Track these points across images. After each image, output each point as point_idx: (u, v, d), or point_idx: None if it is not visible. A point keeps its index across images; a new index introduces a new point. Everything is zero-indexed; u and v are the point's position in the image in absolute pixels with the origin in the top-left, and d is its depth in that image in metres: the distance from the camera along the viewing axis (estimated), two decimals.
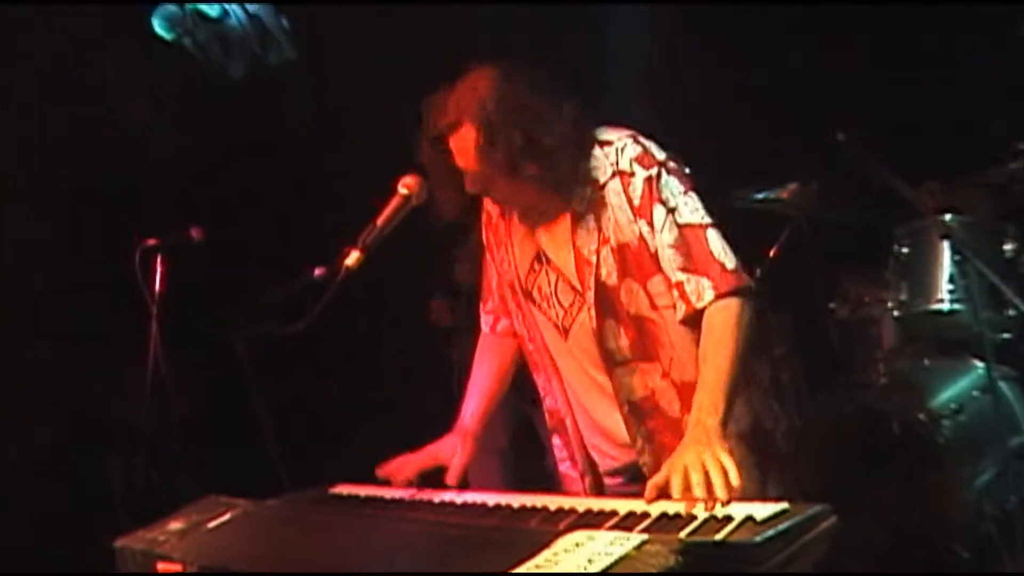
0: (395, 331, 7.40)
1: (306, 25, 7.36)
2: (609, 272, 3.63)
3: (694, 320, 3.55)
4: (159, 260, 5.47)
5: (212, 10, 7.18)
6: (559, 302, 3.79)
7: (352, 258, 3.64)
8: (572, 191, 3.66)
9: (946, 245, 5.64)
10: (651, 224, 3.56)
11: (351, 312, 4.81)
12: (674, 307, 3.59)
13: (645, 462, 3.70)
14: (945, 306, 5.69)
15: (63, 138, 6.41)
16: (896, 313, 5.93)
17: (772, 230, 6.51)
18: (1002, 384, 5.60)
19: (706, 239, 3.55)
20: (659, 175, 3.59)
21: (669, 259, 3.56)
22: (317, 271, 3.74)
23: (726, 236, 3.59)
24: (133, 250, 5.46)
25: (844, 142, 5.74)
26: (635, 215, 3.59)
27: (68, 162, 6.42)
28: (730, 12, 6.86)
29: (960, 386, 5.71)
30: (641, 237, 3.59)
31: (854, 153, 5.73)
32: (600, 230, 3.64)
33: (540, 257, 3.82)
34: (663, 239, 3.56)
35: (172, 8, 7.02)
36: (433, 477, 3.89)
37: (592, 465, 3.94)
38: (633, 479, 3.75)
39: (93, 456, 6.36)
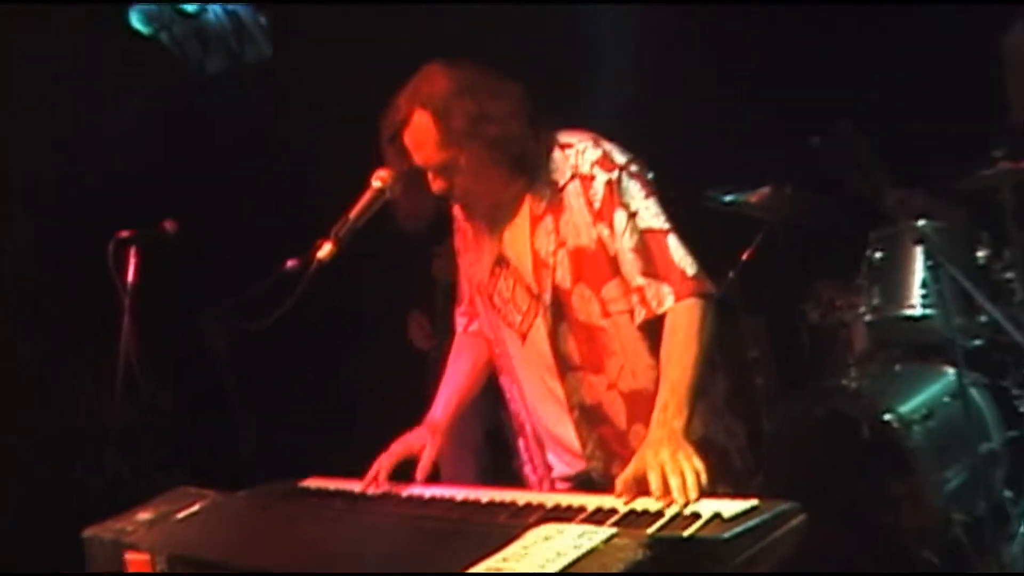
0: (372, 323, 7.39)
1: (283, 21, 7.35)
2: (564, 275, 3.63)
3: (651, 326, 3.54)
4: (132, 252, 5.45)
5: (190, 5, 7.16)
6: (516, 307, 3.79)
7: (325, 250, 3.62)
8: (531, 184, 3.68)
9: (919, 250, 5.66)
10: (612, 228, 3.55)
11: (327, 305, 4.79)
12: (631, 312, 3.58)
13: (595, 468, 3.71)
14: (917, 311, 5.72)
15: (35, 132, 6.38)
16: (868, 318, 5.95)
17: (747, 232, 6.52)
18: (973, 390, 5.61)
19: (667, 244, 3.53)
20: (619, 179, 3.58)
21: (630, 263, 3.54)
22: (289, 263, 3.72)
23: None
24: (106, 242, 5.44)
25: (818, 147, 5.75)
26: (595, 219, 3.58)
27: (40, 156, 6.39)
28: (708, 13, 6.86)
29: (931, 392, 5.73)
30: (599, 241, 3.58)
31: (829, 158, 5.73)
32: (558, 232, 3.63)
33: (500, 260, 3.81)
34: (624, 243, 3.54)
35: (149, 3, 7.01)
36: (403, 471, 3.89)
37: (549, 471, 3.93)
38: (581, 485, 3.75)
39: (64, 449, 6.33)
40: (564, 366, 3.69)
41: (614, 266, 3.57)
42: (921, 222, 5.70)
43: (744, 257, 6.53)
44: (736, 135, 6.65)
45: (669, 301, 3.48)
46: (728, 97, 6.82)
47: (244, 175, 6.83)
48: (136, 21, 6.99)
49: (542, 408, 3.85)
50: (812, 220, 6.41)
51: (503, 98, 3.58)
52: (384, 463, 3.81)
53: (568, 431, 3.76)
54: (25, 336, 6.29)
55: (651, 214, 3.56)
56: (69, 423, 6.31)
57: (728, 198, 6.33)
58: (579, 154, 3.63)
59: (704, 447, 3.41)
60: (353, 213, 3.69)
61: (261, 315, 3.70)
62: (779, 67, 6.82)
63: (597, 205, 3.57)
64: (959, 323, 5.53)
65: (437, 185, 3.63)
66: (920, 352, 6.02)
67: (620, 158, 3.63)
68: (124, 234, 5.48)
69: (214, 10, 7.24)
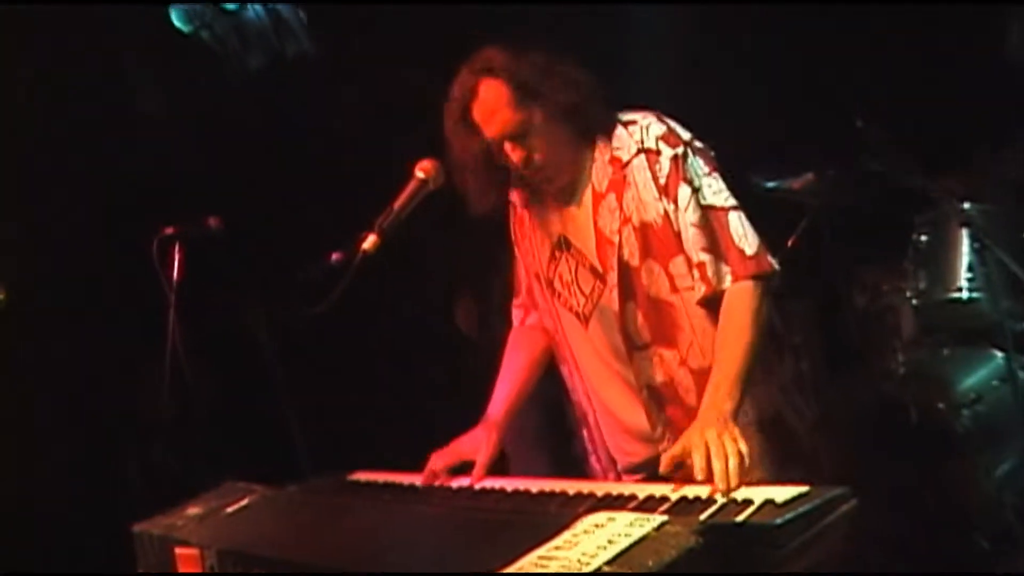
0: (421, 318, 7.39)
1: (324, 17, 7.36)
2: (632, 252, 3.62)
3: (712, 302, 3.54)
4: (177, 248, 5.46)
5: (230, 4, 7.18)
6: (580, 289, 3.78)
7: (369, 242, 3.62)
8: (594, 162, 3.68)
9: (965, 233, 5.62)
10: (676, 203, 3.55)
11: (375, 296, 4.80)
12: (694, 288, 3.58)
13: (664, 449, 3.63)
14: (964, 295, 5.68)
15: (82, 130, 6.42)
16: (915, 302, 5.91)
17: (792, 218, 6.49)
18: (1022, 373, 5.57)
19: (727, 222, 3.54)
20: (685, 155, 3.58)
21: (692, 239, 3.54)
22: (334, 256, 3.71)
23: (750, 219, 3.58)
24: (151, 239, 5.46)
25: (864, 129, 5.70)
26: (660, 193, 3.58)
27: (87, 154, 6.43)
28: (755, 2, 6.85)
29: (979, 375, 5.69)
30: (665, 216, 3.58)
31: (874, 140, 5.69)
32: (622, 209, 3.62)
33: (561, 244, 3.81)
34: (687, 219, 3.54)
35: (190, 1, 7.03)
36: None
37: (613, 460, 3.91)
38: (652, 476, 3.65)
39: (113, 446, 6.36)
40: (632, 344, 3.68)
41: (680, 241, 3.57)
42: (966, 205, 5.66)
43: (789, 244, 6.49)
44: (779, 120, 6.63)
45: (728, 280, 3.50)
46: (770, 82, 6.79)
47: (287, 170, 6.85)
48: (177, 19, 7.01)
49: (606, 393, 3.84)
50: (857, 204, 6.37)
51: (564, 65, 3.60)
52: (440, 466, 3.81)
53: (635, 415, 3.75)
54: (72, 333, 6.32)
55: (713, 191, 3.57)
56: (118, 420, 6.34)
57: (771, 184, 6.30)
58: (644, 129, 3.64)
59: (771, 427, 3.42)
60: (397, 204, 3.69)
61: (307, 308, 3.70)
62: (823, 51, 6.79)
63: (663, 180, 3.57)
64: (1006, 306, 5.49)
65: (517, 155, 3.62)
66: (968, 336, 5.96)
67: (685, 134, 3.64)
68: (169, 230, 5.49)
69: (254, 7, 7.25)
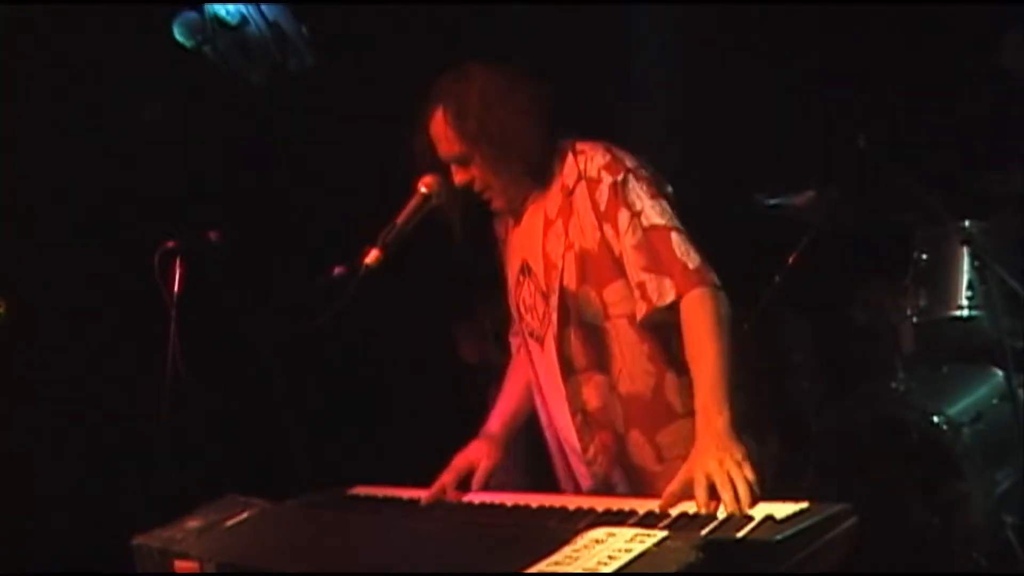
0: (423, 329, 7.39)
1: (326, 31, 7.37)
2: (570, 277, 3.66)
3: (651, 324, 3.56)
4: (178, 262, 5.46)
5: (231, 17, 7.19)
6: (536, 313, 3.82)
7: (372, 256, 3.63)
8: (546, 189, 3.77)
9: (965, 251, 5.63)
10: (615, 228, 3.58)
11: (376, 311, 4.79)
12: (630, 316, 3.59)
13: (595, 473, 3.73)
14: (964, 313, 5.68)
15: (84, 142, 6.43)
16: (915, 320, 5.92)
17: (792, 236, 6.49)
18: (1022, 392, 5.57)
19: (670, 240, 3.52)
20: (625, 180, 3.60)
21: (632, 260, 3.55)
22: (336, 270, 3.72)
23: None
24: (152, 253, 5.46)
25: (865, 148, 5.71)
26: (599, 220, 3.61)
27: (88, 167, 6.43)
28: (757, 14, 6.85)
29: (979, 394, 5.70)
30: (603, 242, 3.61)
31: (875, 159, 5.69)
32: (567, 235, 3.67)
33: (524, 269, 3.87)
34: (627, 241, 3.55)
35: (191, 16, 7.03)
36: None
37: (575, 484, 3.91)
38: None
39: (113, 459, 6.36)
40: (568, 369, 3.72)
41: (618, 268, 3.59)
42: (967, 222, 5.66)
43: (790, 261, 6.49)
44: (780, 138, 6.64)
45: (671, 295, 3.47)
46: (772, 100, 6.80)
47: (289, 184, 6.86)
48: (179, 34, 7.02)
49: (559, 417, 3.84)
50: (858, 222, 6.37)
51: (514, 100, 3.68)
52: (447, 480, 3.84)
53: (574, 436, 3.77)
54: (73, 346, 6.32)
55: (656, 212, 3.56)
56: (118, 433, 6.33)
57: (773, 202, 6.30)
58: (588, 160, 3.68)
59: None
60: (400, 219, 3.70)
61: (309, 322, 3.70)
62: (823, 68, 6.80)
63: (603, 207, 3.60)
64: (1007, 324, 5.50)
65: (459, 177, 3.75)
66: (968, 354, 5.97)
67: (629, 162, 3.66)
68: (170, 244, 5.49)
69: (255, 21, 7.26)
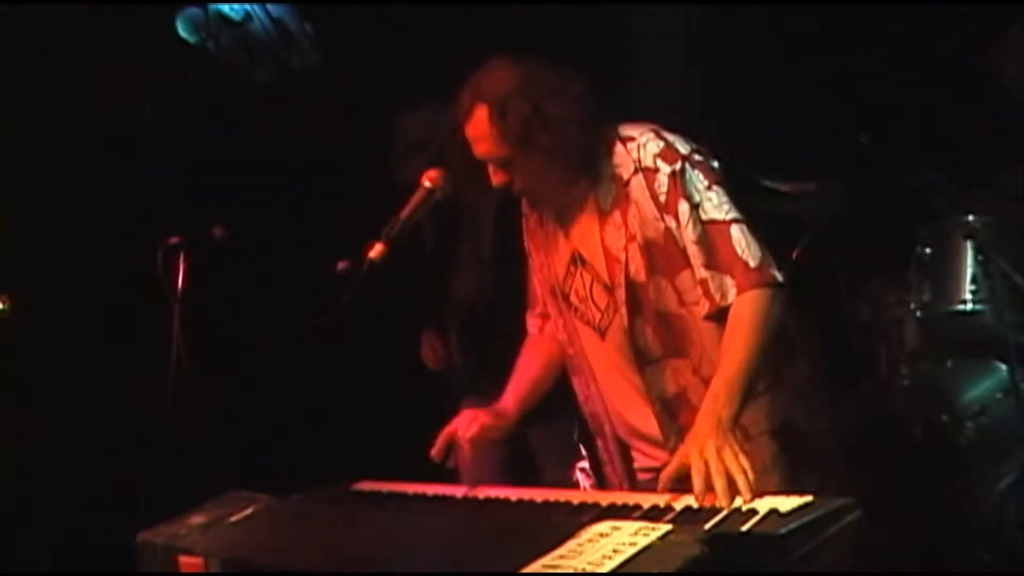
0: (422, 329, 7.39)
1: (330, 29, 7.37)
2: (638, 269, 3.62)
3: (719, 316, 3.53)
4: (181, 258, 5.47)
5: (235, 13, 7.19)
6: (595, 304, 3.79)
7: (376, 251, 3.63)
8: (596, 181, 3.68)
9: (969, 245, 5.61)
10: (677, 219, 3.55)
11: (379, 307, 4.78)
12: (699, 304, 3.58)
13: None
14: (968, 307, 5.65)
15: (87, 138, 6.43)
16: (919, 314, 5.89)
17: (795, 231, 6.49)
18: None
19: (729, 236, 3.52)
20: (683, 170, 3.57)
21: (694, 256, 3.54)
22: (340, 265, 3.72)
23: (753, 229, 3.57)
24: (156, 248, 5.46)
25: (868, 142, 5.70)
26: (660, 212, 3.58)
27: (91, 163, 6.44)
28: (762, 12, 6.85)
29: (983, 388, 5.68)
30: (667, 233, 3.57)
31: (878, 153, 5.69)
32: (627, 227, 3.63)
33: (575, 259, 3.82)
34: (688, 235, 3.54)
35: (195, 11, 7.04)
36: (450, 475, 3.89)
37: (630, 470, 3.93)
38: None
39: (117, 454, 6.36)
40: (643, 359, 3.69)
41: (685, 256, 3.57)
42: (970, 217, 5.66)
43: (793, 256, 6.48)
44: (784, 132, 6.63)
45: (732, 294, 3.48)
46: (772, 99, 6.80)
47: (293, 179, 6.86)
48: (182, 30, 7.02)
49: (623, 404, 3.84)
50: (861, 217, 6.36)
51: (561, 99, 3.59)
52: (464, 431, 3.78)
53: (651, 424, 3.75)
54: (76, 342, 6.33)
55: (713, 205, 3.55)
56: (121, 429, 6.33)
57: (783, 188, 6.27)
58: (641, 147, 3.63)
59: (783, 432, 3.42)
60: (404, 213, 3.70)
61: (312, 318, 3.71)
62: (828, 64, 6.80)
63: (662, 198, 3.57)
64: (1010, 318, 5.48)
65: (498, 178, 3.66)
66: (972, 348, 5.95)
67: (683, 148, 3.63)
68: (173, 240, 5.50)
69: (259, 18, 7.26)
